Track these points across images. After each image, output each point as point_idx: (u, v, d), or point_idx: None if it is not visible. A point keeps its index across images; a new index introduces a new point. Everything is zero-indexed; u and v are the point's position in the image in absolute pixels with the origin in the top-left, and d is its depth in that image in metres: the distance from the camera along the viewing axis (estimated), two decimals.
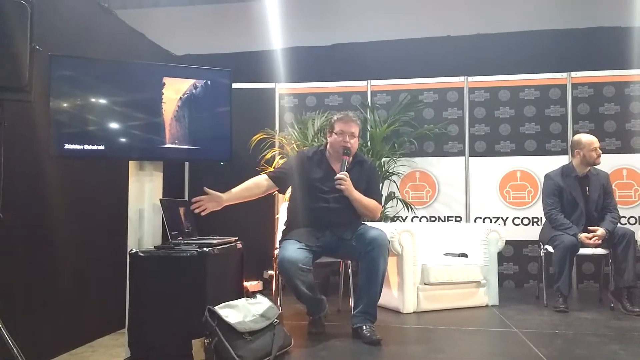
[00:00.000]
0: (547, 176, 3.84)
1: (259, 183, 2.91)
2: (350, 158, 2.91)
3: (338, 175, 2.82)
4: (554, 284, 3.51)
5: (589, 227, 3.58)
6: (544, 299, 3.68)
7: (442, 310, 3.49)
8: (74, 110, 2.55)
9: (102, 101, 2.61)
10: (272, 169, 3.51)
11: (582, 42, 4.78)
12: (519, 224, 4.62)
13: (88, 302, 3.04)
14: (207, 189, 2.72)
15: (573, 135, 4.53)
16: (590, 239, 3.50)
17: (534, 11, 4.93)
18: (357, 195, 2.86)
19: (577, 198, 3.66)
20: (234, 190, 2.83)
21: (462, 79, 4.82)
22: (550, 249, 3.66)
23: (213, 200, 2.70)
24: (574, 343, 2.68)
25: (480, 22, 4.98)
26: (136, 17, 4.25)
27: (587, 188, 3.69)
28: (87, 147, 2.55)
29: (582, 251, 3.56)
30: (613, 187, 3.97)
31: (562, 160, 4.44)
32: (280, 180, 2.94)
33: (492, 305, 3.66)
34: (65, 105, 2.52)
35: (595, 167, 3.76)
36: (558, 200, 3.70)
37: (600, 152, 3.68)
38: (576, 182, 3.70)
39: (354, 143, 2.92)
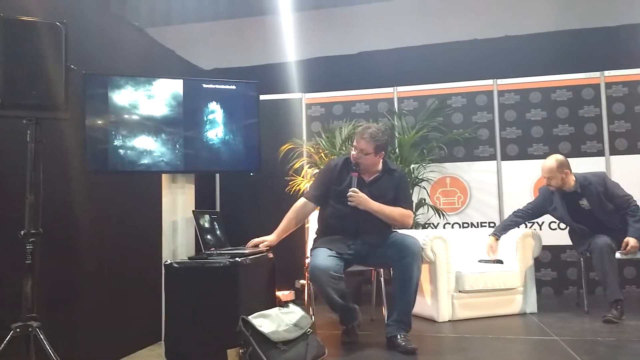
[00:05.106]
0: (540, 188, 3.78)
1: (302, 209, 2.97)
2: (357, 174, 2.84)
3: (349, 193, 2.80)
4: (605, 291, 3.32)
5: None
6: (584, 306, 3.55)
7: (479, 318, 3.43)
8: (108, 126, 2.63)
9: (135, 117, 2.69)
10: (305, 189, 3.50)
11: (614, 41, 4.66)
12: (556, 229, 4.49)
13: (126, 314, 3.10)
14: (256, 241, 2.87)
15: (609, 136, 4.42)
16: (625, 251, 3.34)
17: (562, 11, 4.83)
18: (375, 207, 2.82)
19: (563, 215, 3.59)
20: (281, 226, 2.94)
21: (490, 82, 4.75)
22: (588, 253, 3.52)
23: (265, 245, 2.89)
24: (618, 350, 2.60)
25: (507, 24, 4.91)
26: (165, 34, 4.36)
27: (579, 202, 3.53)
28: (121, 162, 2.63)
29: (619, 255, 3.39)
30: (614, 182, 3.61)
31: (597, 162, 4.32)
32: (318, 198, 2.96)
33: (530, 313, 3.57)
34: (99, 122, 2.61)
35: (587, 176, 3.57)
36: (531, 211, 3.73)
37: (547, 179, 3.55)
38: (564, 199, 3.57)
39: (364, 160, 2.83)
